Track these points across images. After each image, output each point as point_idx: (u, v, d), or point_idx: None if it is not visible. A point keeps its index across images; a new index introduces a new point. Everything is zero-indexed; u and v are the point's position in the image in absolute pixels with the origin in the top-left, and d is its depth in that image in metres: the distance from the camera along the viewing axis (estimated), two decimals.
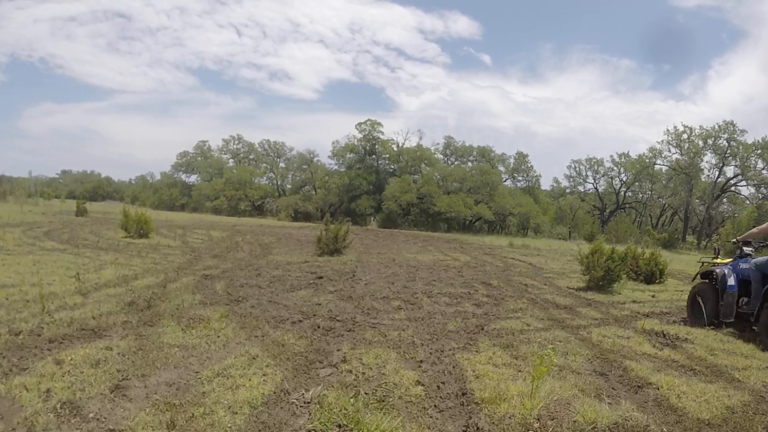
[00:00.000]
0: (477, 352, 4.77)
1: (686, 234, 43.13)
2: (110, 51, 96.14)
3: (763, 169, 38.71)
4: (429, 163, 43.38)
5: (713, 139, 40.48)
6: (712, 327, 5.93)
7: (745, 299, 5.55)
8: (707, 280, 6.21)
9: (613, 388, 3.95)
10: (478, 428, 3.11)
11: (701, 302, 6.07)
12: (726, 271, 5.78)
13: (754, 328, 5.52)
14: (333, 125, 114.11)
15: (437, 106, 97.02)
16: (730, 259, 6.14)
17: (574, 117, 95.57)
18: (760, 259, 5.51)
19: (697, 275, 6.44)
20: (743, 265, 5.71)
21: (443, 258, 14.66)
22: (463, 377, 4.00)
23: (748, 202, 40.78)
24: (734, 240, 6.38)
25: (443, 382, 3.87)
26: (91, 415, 2.95)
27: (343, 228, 13.34)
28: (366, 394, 3.52)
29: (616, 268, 9.19)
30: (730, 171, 41.12)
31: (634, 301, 8.38)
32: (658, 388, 3.98)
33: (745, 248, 5.89)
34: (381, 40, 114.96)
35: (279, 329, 5.16)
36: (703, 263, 6.60)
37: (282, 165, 53.88)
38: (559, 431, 3.12)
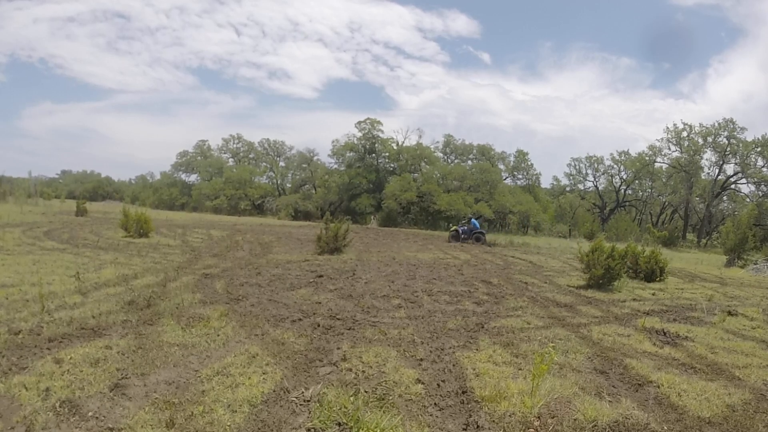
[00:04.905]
0: (477, 350, 4.77)
1: (686, 232, 43.17)
2: (110, 51, 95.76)
3: (763, 166, 38.76)
4: (429, 162, 43.32)
5: (713, 136, 40.50)
6: (458, 242, 21.14)
7: (465, 236, 21.48)
8: (456, 230, 22.12)
9: (613, 386, 3.95)
10: (478, 426, 3.10)
11: (456, 236, 21.67)
12: (459, 228, 21.99)
13: (468, 241, 21.26)
14: (333, 124, 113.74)
15: (437, 105, 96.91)
16: (459, 225, 23.13)
17: (573, 115, 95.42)
18: (462, 226, 22.23)
19: (454, 228, 22.65)
20: (461, 227, 22.23)
21: (443, 256, 14.66)
22: (464, 375, 4.00)
23: (748, 199, 40.78)
24: (462, 221, 25.02)
25: (443, 381, 3.86)
26: (90, 413, 2.95)
27: (343, 227, 13.33)
28: (366, 392, 3.51)
29: (616, 266, 9.19)
30: (730, 169, 41.22)
31: (634, 299, 8.37)
32: (658, 386, 3.98)
33: (462, 222, 23.92)
34: (380, 38, 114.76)
35: (279, 328, 5.15)
36: (453, 227, 25.21)
37: (282, 164, 53.88)
38: (559, 429, 3.12)
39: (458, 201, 36.41)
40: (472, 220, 22.81)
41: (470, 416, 3.24)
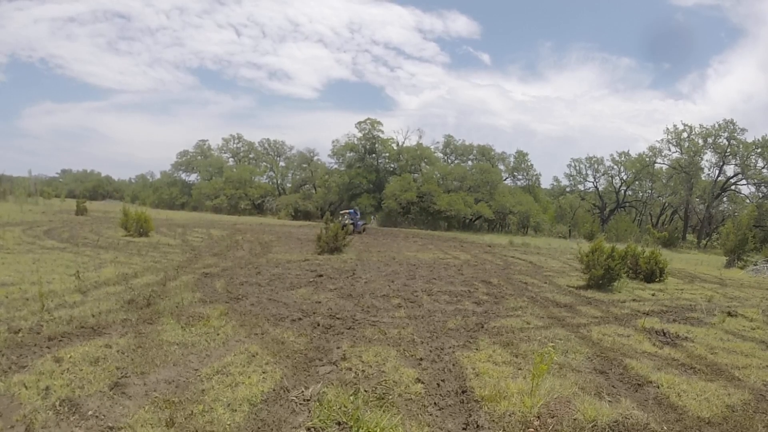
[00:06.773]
0: (477, 350, 4.77)
1: (686, 233, 43.14)
2: (110, 51, 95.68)
3: (763, 167, 38.69)
4: (429, 162, 43.30)
5: (713, 137, 40.47)
6: (352, 233, 19.14)
7: (355, 228, 22.40)
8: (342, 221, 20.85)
9: (613, 387, 3.95)
10: (478, 426, 3.10)
11: (346, 226, 15.92)
12: (347, 219, 23.19)
13: (357, 232, 22.59)
14: (333, 124, 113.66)
15: (437, 105, 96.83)
16: (342, 218, 23.03)
17: (573, 115, 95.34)
18: (346, 219, 22.75)
19: (347, 224, 18.37)
20: (348, 217, 23.76)
21: (443, 256, 14.66)
22: (463, 375, 4.00)
23: (748, 200, 40.75)
24: (341, 212, 26.20)
25: (443, 380, 3.86)
26: (90, 412, 2.95)
27: None
28: (366, 391, 3.51)
29: (616, 266, 9.19)
30: (730, 170, 41.16)
31: (634, 300, 8.37)
32: (658, 387, 3.98)
33: (343, 213, 24.89)
34: (380, 39, 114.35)
35: (279, 327, 5.16)
36: (340, 218, 23.00)
37: (282, 164, 53.84)
38: (559, 429, 3.12)
39: (458, 201, 36.39)
40: (355, 212, 26.54)
41: (470, 416, 3.24)
